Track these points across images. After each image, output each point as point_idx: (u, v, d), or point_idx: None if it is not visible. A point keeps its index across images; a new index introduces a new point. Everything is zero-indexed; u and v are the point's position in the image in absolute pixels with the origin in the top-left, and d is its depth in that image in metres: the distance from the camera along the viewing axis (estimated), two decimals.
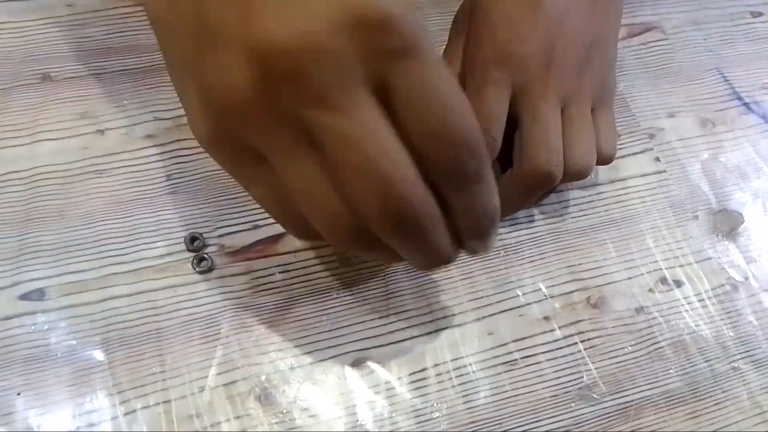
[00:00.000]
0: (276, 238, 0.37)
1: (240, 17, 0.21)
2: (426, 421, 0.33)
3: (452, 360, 0.35)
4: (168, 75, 0.27)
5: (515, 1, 0.36)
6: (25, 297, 0.33)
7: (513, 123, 0.36)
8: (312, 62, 0.21)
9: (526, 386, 0.35)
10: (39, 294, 0.33)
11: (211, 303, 0.35)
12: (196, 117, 0.25)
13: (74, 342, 0.33)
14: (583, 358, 0.36)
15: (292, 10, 0.21)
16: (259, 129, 0.23)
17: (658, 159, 0.43)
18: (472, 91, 0.36)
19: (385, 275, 0.36)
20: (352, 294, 0.36)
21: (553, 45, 0.35)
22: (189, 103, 0.25)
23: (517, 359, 0.35)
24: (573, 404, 0.35)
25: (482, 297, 0.37)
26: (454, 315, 0.36)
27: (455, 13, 0.42)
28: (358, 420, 0.33)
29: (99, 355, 0.33)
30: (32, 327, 0.33)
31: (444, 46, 0.43)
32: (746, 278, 0.40)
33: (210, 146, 0.25)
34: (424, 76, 0.22)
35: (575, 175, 0.35)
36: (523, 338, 0.36)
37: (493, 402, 0.34)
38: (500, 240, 0.38)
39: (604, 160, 0.37)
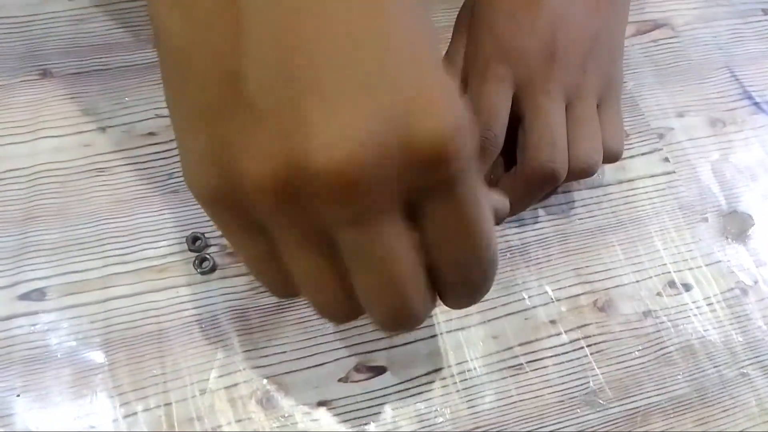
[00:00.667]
0: None
1: (287, 99, 0.18)
2: (430, 425, 0.33)
3: (456, 364, 0.34)
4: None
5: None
6: (25, 297, 0.33)
7: (516, 119, 0.35)
8: (351, 186, 0.18)
9: (531, 391, 0.34)
10: (39, 294, 0.33)
11: (213, 304, 0.34)
12: (201, 169, 0.21)
13: (74, 343, 0.32)
14: (589, 362, 0.35)
15: (343, 113, 0.18)
16: (275, 216, 0.20)
17: (667, 159, 0.42)
18: (474, 87, 0.35)
19: None
20: None
21: (556, 39, 0.34)
22: (194, 151, 0.21)
23: (522, 363, 0.35)
24: (579, 410, 0.34)
25: (487, 300, 0.36)
26: (458, 318, 0.35)
27: (458, 8, 0.41)
28: (361, 424, 0.33)
29: (99, 356, 0.32)
30: (32, 328, 0.32)
31: (446, 42, 0.42)
32: (756, 282, 0.39)
33: (207, 203, 0.21)
34: (460, 210, 0.20)
35: (580, 173, 0.35)
36: (529, 342, 0.35)
37: (497, 407, 0.34)
38: (506, 241, 0.38)
39: (611, 157, 0.36)
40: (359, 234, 0.20)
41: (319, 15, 0.18)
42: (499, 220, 0.38)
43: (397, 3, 0.19)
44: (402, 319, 0.22)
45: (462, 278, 0.23)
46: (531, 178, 0.34)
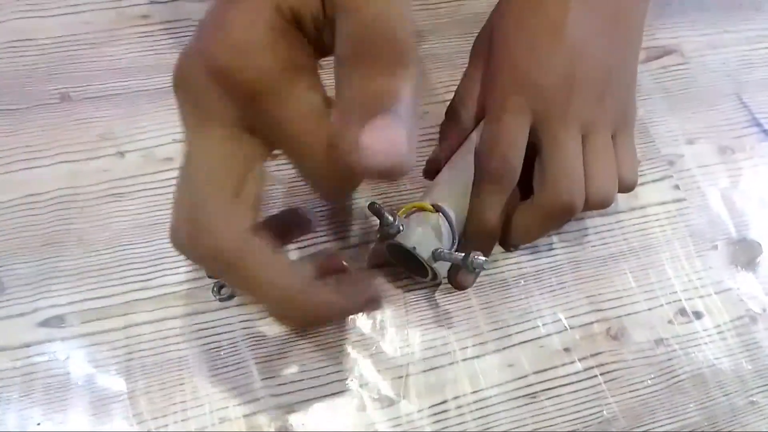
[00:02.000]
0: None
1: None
2: None
3: (472, 392, 0.35)
4: None
5: (536, 27, 0.36)
6: (44, 324, 0.33)
7: (532, 150, 0.36)
8: None
9: (546, 420, 0.35)
10: (59, 321, 0.33)
11: (232, 331, 0.34)
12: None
13: (94, 371, 0.33)
14: (603, 391, 0.36)
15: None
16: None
17: (677, 187, 0.43)
18: (492, 118, 0.36)
19: (405, 304, 0.36)
20: (373, 324, 0.36)
21: (574, 73, 0.35)
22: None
23: (537, 392, 0.35)
24: None
25: (502, 327, 0.37)
26: (473, 346, 0.36)
27: (476, 34, 0.42)
28: None
29: (119, 384, 0.32)
30: (52, 355, 0.33)
31: (464, 69, 0.43)
32: (765, 310, 0.40)
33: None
34: None
35: (597, 205, 0.35)
36: (544, 370, 0.36)
37: None
38: (519, 269, 0.38)
39: (626, 188, 0.37)
40: None
41: None
42: (513, 248, 0.39)
43: None
44: None
45: None
46: (548, 210, 0.35)
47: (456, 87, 0.40)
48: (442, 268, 0.34)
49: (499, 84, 0.36)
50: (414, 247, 0.32)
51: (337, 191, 0.26)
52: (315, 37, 0.24)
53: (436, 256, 0.33)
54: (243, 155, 0.25)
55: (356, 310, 0.33)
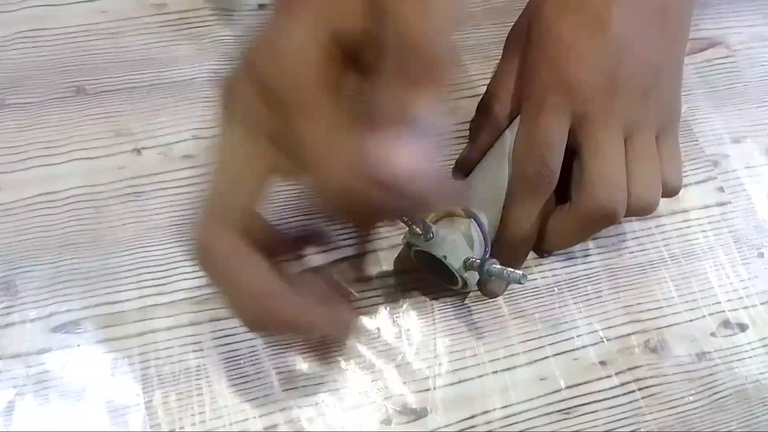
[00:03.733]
0: (319, 270, 0.35)
1: None
2: None
3: (502, 407, 0.33)
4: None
5: (577, 21, 0.33)
6: (59, 329, 0.32)
7: (571, 152, 0.34)
8: None
9: None
10: (74, 326, 0.32)
11: (252, 338, 0.33)
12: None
13: (110, 378, 0.31)
14: (640, 408, 0.34)
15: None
16: None
17: (722, 189, 0.40)
18: (529, 117, 0.34)
19: (433, 312, 0.35)
20: (399, 333, 0.34)
21: (618, 71, 0.33)
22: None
23: (571, 407, 0.34)
24: None
25: (534, 339, 0.35)
26: (505, 358, 0.34)
27: (511, 25, 0.39)
28: None
29: (136, 392, 0.31)
30: (67, 362, 0.31)
31: (497, 61, 0.41)
32: None
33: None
34: None
35: (639, 212, 0.33)
36: (578, 384, 0.34)
37: None
38: (554, 276, 0.36)
39: (670, 193, 0.35)
40: None
41: None
42: (547, 254, 0.37)
43: None
44: None
45: None
46: (586, 217, 0.33)
47: (488, 80, 0.38)
48: (473, 276, 0.32)
49: (536, 81, 0.34)
50: (445, 256, 0.31)
51: (351, 216, 0.27)
52: (354, 56, 0.23)
53: (467, 265, 0.31)
54: (266, 165, 0.25)
55: (322, 330, 0.31)
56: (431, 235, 0.31)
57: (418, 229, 0.30)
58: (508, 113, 0.36)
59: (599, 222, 0.33)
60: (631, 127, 0.33)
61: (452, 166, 0.37)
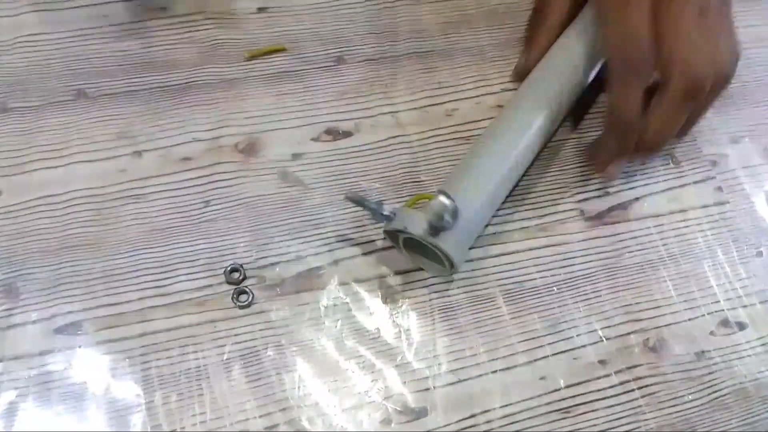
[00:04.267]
0: (318, 271, 0.35)
1: None
2: None
3: (501, 406, 0.33)
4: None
5: None
6: (60, 331, 0.32)
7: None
8: None
9: None
10: (75, 328, 0.32)
11: (253, 339, 0.33)
12: None
13: (111, 380, 0.32)
14: (640, 406, 0.34)
15: None
16: None
17: (720, 188, 0.40)
18: (615, 8, 0.35)
19: (432, 312, 0.35)
20: (398, 332, 0.34)
21: None
22: None
23: (570, 407, 0.34)
24: None
25: (534, 338, 0.35)
26: (503, 357, 0.34)
27: (508, 27, 0.40)
28: None
29: (137, 393, 0.31)
30: (68, 363, 0.32)
31: (494, 63, 0.41)
32: None
33: None
34: None
35: (724, 79, 0.36)
36: (578, 384, 0.34)
37: None
38: (553, 275, 0.36)
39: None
40: None
41: None
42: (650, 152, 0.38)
43: None
44: None
45: None
46: (680, 90, 0.34)
47: (486, 82, 0.39)
48: (456, 249, 0.32)
49: None
50: (405, 227, 0.31)
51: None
52: None
53: (432, 228, 0.31)
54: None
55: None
56: (392, 214, 0.32)
57: (373, 209, 0.32)
58: (561, 20, 0.39)
59: (691, 94, 0.35)
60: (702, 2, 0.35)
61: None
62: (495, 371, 0.34)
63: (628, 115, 0.35)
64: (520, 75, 0.39)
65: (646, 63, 0.34)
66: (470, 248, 0.35)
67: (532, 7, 0.42)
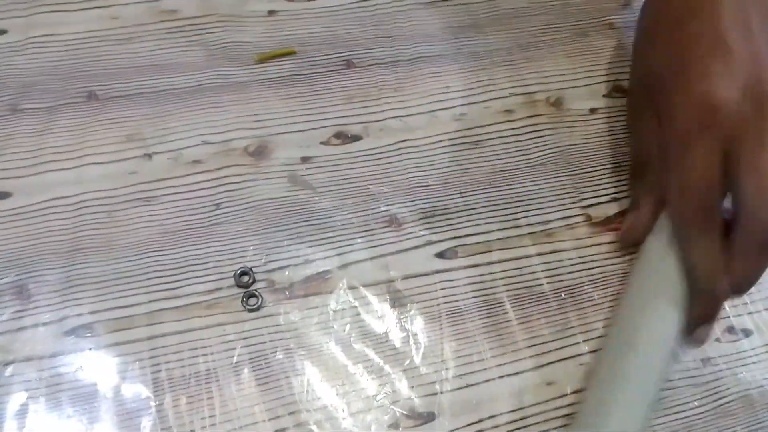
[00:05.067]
0: (327, 275, 0.35)
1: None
2: None
3: (508, 412, 0.33)
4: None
5: (693, 44, 0.33)
6: (71, 333, 0.32)
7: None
8: None
9: None
10: (85, 330, 0.32)
11: (262, 343, 0.33)
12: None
13: (121, 382, 0.32)
14: None
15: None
16: None
17: None
18: (677, 157, 0.32)
19: (440, 317, 0.35)
20: (406, 337, 0.34)
21: (759, 77, 0.32)
22: None
23: (576, 412, 0.34)
24: None
25: (541, 344, 0.35)
26: (511, 362, 0.34)
27: (516, 31, 0.40)
28: None
29: (147, 396, 0.32)
30: (79, 365, 0.32)
31: (504, 68, 0.41)
32: None
33: None
34: None
35: None
36: (585, 389, 0.34)
37: None
38: (560, 282, 0.37)
39: None
40: None
41: None
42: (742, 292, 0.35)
43: None
44: None
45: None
46: (756, 237, 0.31)
47: (496, 87, 0.39)
48: None
49: (678, 118, 0.33)
50: None
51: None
52: None
53: None
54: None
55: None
56: None
57: None
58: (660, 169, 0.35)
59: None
60: None
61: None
62: (502, 376, 0.34)
63: (709, 273, 0.32)
64: (632, 236, 0.37)
65: (714, 217, 0.32)
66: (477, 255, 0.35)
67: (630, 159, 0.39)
